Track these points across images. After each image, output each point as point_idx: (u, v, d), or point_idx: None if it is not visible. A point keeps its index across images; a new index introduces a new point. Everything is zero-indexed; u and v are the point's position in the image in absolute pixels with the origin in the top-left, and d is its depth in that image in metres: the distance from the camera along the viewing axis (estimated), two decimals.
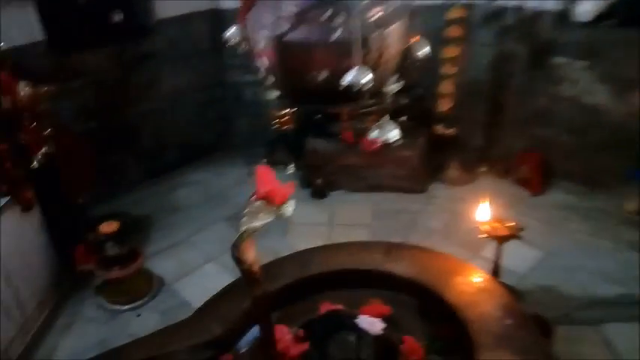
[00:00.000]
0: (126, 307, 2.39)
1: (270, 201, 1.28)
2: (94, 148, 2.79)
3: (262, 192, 1.27)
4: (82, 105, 3.17)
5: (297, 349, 1.66)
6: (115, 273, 2.32)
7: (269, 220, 1.25)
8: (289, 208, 1.27)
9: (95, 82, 3.19)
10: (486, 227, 2.09)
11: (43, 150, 2.13)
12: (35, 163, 2.11)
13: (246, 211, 1.28)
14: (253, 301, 1.45)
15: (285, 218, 1.25)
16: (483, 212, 2.11)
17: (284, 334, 1.70)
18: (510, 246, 2.15)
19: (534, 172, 3.40)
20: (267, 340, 1.53)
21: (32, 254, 2.29)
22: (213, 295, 2.09)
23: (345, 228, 3.09)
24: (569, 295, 2.44)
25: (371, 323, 1.68)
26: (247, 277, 1.38)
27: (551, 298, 2.40)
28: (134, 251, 2.40)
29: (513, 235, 2.05)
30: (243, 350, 1.89)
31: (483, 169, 3.67)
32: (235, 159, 4.09)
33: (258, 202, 1.29)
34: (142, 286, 2.45)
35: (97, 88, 3.23)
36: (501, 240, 2.08)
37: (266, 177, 1.30)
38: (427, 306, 1.93)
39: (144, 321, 2.36)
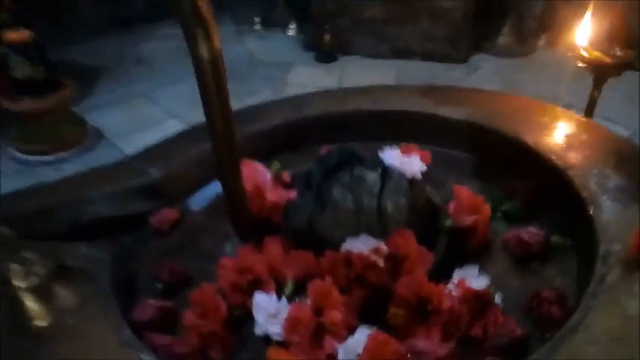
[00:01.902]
0: (44, 158, 1.77)
1: None
2: None
3: None
4: None
5: (278, 194, 1.04)
6: (25, 104, 1.68)
7: None
8: None
9: None
10: (586, 55, 1.41)
11: None
12: None
13: None
14: (198, 72, 0.80)
15: None
16: (584, 31, 1.43)
17: (257, 172, 1.07)
18: None
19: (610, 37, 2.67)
20: (223, 159, 0.91)
21: None
22: (168, 137, 1.47)
23: None
24: None
25: (405, 161, 1.04)
26: (180, 10, 0.72)
27: None
28: (57, 80, 1.74)
29: (627, 64, 1.39)
30: (197, 208, 1.29)
31: (543, 41, 2.94)
32: (221, 17, 3.34)
33: None
34: (69, 134, 1.83)
35: None
36: (605, 73, 1.42)
37: None
38: (487, 163, 1.30)
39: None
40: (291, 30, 3.08)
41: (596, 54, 1.44)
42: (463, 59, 2.76)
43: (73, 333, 0.77)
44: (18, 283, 0.75)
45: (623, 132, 2.14)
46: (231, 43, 2.90)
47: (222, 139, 0.87)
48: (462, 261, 0.94)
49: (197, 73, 0.80)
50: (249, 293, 0.89)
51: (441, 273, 0.90)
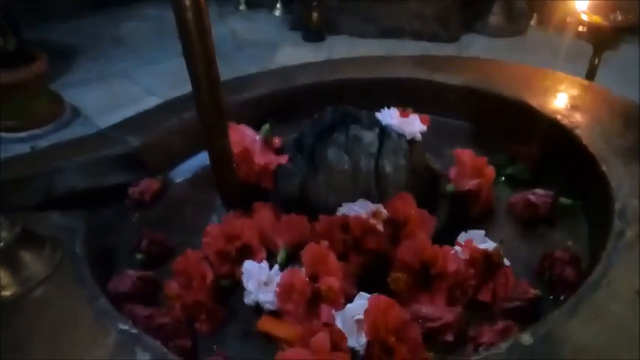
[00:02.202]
0: (17, 135, 1.68)
1: None
2: None
3: None
4: None
5: (268, 158, 0.97)
6: None
7: None
8: None
9: None
10: (585, 21, 1.36)
11: None
12: None
13: None
14: (177, 16, 0.73)
15: None
16: None
17: (244, 135, 1.00)
18: None
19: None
20: (211, 137, 0.84)
21: None
22: (148, 108, 1.40)
23: None
24: None
25: (404, 121, 0.98)
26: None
27: None
28: (29, 53, 1.64)
29: (628, 28, 1.34)
30: (181, 179, 1.21)
31: (534, 20, 2.90)
32: None
33: None
34: (44, 111, 1.74)
35: None
36: (605, 40, 1.37)
37: None
38: (488, 130, 1.24)
39: None
40: (278, 10, 3.00)
41: (596, 18, 1.39)
42: (454, 38, 2.71)
43: (43, 303, 0.70)
44: None
45: None
46: (214, 25, 2.81)
47: (207, 92, 0.80)
48: (465, 227, 0.88)
49: (177, 21, 0.73)
50: (237, 262, 0.82)
51: (444, 239, 0.85)
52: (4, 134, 1.68)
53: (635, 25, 1.39)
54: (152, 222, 1.06)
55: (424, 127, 0.99)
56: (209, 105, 0.82)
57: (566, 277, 0.74)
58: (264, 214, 0.88)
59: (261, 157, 0.97)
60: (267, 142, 1.01)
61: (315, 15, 2.66)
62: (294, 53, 2.60)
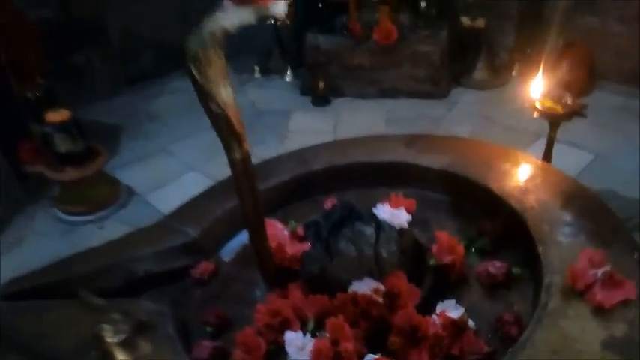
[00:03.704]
0: (86, 218, 2.01)
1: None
2: (43, 32, 2.32)
3: None
4: None
5: (296, 248, 1.29)
6: (69, 174, 1.93)
7: (247, 19, 0.82)
8: (279, 6, 0.84)
9: None
10: (540, 105, 1.66)
11: None
12: None
13: (217, 13, 0.86)
14: (233, 170, 1.05)
15: (272, 17, 0.82)
16: (537, 87, 1.69)
17: (277, 230, 1.32)
18: (557, 148, 1.79)
19: (578, 70, 2.94)
20: (255, 234, 1.15)
21: None
22: (194, 196, 1.72)
23: (353, 136, 2.66)
24: (627, 199, 2.07)
25: (394, 214, 1.29)
26: (220, 129, 0.97)
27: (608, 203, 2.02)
28: (92, 149, 2.00)
29: (574, 112, 1.64)
30: (228, 258, 1.53)
31: (515, 71, 3.21)
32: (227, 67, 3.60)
33: (234, 3, 0.86)
34: (106, 195, 2.07)
35: None
36: (558, 120, 1.67)
37: None
38: (461, 204, 1.55)
39: (108, 234, 1.99)
40: (288, 76, 3.35)
41: (549, 103, 1.69)
42: (444, 95, 3.02)
43: None
44: (110, 339, 0.98)
45: (586, 156, 2.38)
46: (235, 94, 3.16)
47: (253, 215, 1.12)
48: (445, 292, 1.19)
49: (232, 169, 1.05)
50: (280, 331, 1.13)
51: (429, 303, 1.15)
52: (74, 218, 2.01)
53: (583, 108, 1.68)
54: (211, 297, 1.38)
55: (409, 218, 1.30)
56: (254, 220, 1.14)
57: (512, 334, 1.03)
58: (296, 294, 1.19)
59: (290, 247, 1.28)
60: (293, 235, 1.33)
61: (321, 84, 3.00)
62: (305, 119, 2.92)
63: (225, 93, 0.91)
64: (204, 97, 0.88)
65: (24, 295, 1.43)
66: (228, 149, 1.00)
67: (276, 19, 2.45)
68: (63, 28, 2.83)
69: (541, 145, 2.26)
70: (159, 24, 3.33)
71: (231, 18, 0.79)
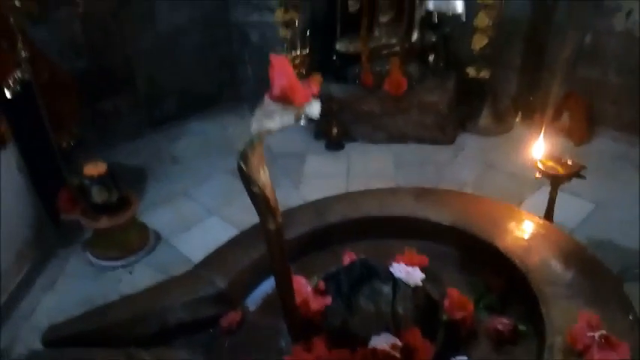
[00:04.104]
0: (117, 262, 2.14)
1: (288, 100, 0.98)
2: (77, 84, 2.49)
3: (279, 88, 0.98)
4: (69, 39, 2.87)
5: (318, 302, 1.40)
6: (104, 222, 2.06)
7: (288, 122, 0.96)
8: (314, 108, 0.98)
9: (84, 14, 2.87)
10: (542, 165, 1.79)
11: (17, 75, 1.83)
12: (7, 92, 1.82)
13: (257, 111, 1.00)
14: (267, 239, 1.17)
15: (308, 119, 0.96)
16: (539, 148, 1.81)
17: (302, 286, 1.43)
18: (558, 197, 1.88)
19: (578, 119, 3.08)
20: (284, 292, 1.27)
21: (8, 199, 2.04)
22: (219, 246, 1.83)
23: (364, 180, 2.80)
24: (627, 249, 2.16)
25: (408, 272, 1.40)
26: (259, 205, 1.10)
27: (607, 253, 2.12)
28: (125, 198, 2.14)
29: (574, 173, 1.76)
30: (254, 307, 1.64)
31: (518, 118, 3.35)
32: (241, 110, 3.77)
33: (273, 104, 1.00)
34: (136, 240, 2.19)
35: (86, 20, 2.91)
36: (559, 180, 1.79)
37: (283, 70, 1.01)
38: (470, 258, 1.66)
39: (137, 278, 2.12)
40: (302, 120, 3.50)
41: (550, 164, 1.81)
42: (450, 141, 3.16)
43: None
44: None
45: (587, 205, 2.48)
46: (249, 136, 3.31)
47: (282, 277, 1.24)
48: (456, 347, 1.29)
49: (266, 238, 1.17)
50: None
51: (443, 357, 1.26)
52: (105, 262, 2.13)
53: (582, 168, 1.80)
54: (238, 347, 1.49)
55: (423, 276, 1.41)
56: (284, 281, 1.26)
57: None
58: (319, 347, 1.30)
59: (314, 303, 1.39)
60: (316, 290, 1.44)
61: (334, 129, 3.15)
62: (319, 162, 3.06)
63: (263, 176, 1.04)
64: (248, 182, 1.00)
65: (64, 342, 1.55)
66: (264, 221, 1.13)
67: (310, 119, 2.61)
68: (94, 78, 3.01)
69: (542, 193, 2.36)
70: (180, 73, 3.52)
71: (274, 121, 0.93)
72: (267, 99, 1.02)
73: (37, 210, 2.20)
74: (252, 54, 3.76)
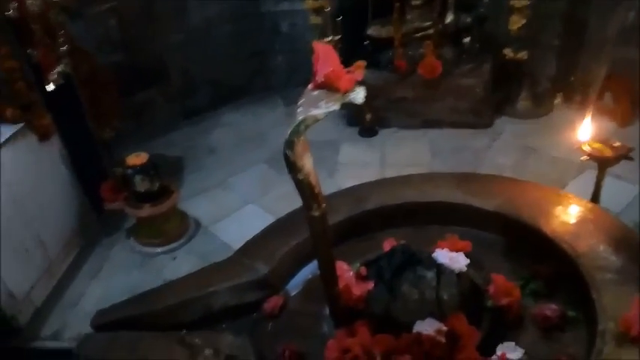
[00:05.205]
0: (159, 249, 2.20)
1: (333, 87, 0.98)
2: (116, 78, 2.54)
3: (324, 75, 0.98)
4: (104, 34, 2.93)
5: (361, 288, 1.40)
6: (146, 211, 2.11)
7: (333, 108, 0.96)
8: (359, 94, 0.98)
9: (118, 10, 2.93)
10: (588, 148, 1.73)
11: (59, 68, 1.89)
12: (50, 84, 1.88)
13: (302, 99, 1.00)
14: (311, 225, 1.18)
15: (354, 104, 0.96)
16: (585, 130, 1.75)
17: (344, 271, 1.44)
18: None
19: (621, 100, 2.96)
20: (327, 276, 1.27)
21: (53, 190, 2.11)
22: (258, 233, 1.86)
23: (400, 167, 2.77)
24: None
25: (452, 258, 1.39)
26: (303, 192, 1.10)
27: None
28: (167, 187, 2.18)
29: (623, 155, 1.69)
30: (295, 292, 1.66)
31: (558, 100, 3.25)
32: (272, 99, 3.79)
33: (317, 91, 1.00)
34: (177, 228, 2.24)
35: (121, 16, 2.97)
36: (606, 163, 1.73)
37: (328, 57, 1.00)
38: (513, 244, 1.63)
39: (180, 265, 2.17)
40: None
41: (598, 146, 1.75)
42: (487, 125, 3.09)
43: None
44: None
45: (632, 188, 2.40)
46: (284, 126, 3.31)
47: (326, 263, 1.24)
48: (502, 333, 1.28)
49: (310, 224, 1.18)
50: None
51: (488, 343, 1.24)
52: (149, 249, 2.19)
53: (630, 150, 1.73)
54: (281, 331, 1.50)
55: (468, 261, 1.39)
56: (328, 267, 1.26)
57: None
58: (363, 332, 1.30)
59: (356, 288, 1.40)
60: (358, 276, 1.44)
61: (368, 116, 3.12)
62: (353, 149, 3.04)
63: (308, 163, 1.04)
64: (293, 169, 1.01)
65: (112, 327, 1.60)
66: (308, 208, 1.13)
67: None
68: (130, 71, 3.07)
69: (586, 177, 2.28)
70: (212, 64, 3.55)
71: (320, 108, 0.92)
72: (310, 87, 1.02)
73: (80, 200, 2.27)
74: (282, 43, 3.76)
